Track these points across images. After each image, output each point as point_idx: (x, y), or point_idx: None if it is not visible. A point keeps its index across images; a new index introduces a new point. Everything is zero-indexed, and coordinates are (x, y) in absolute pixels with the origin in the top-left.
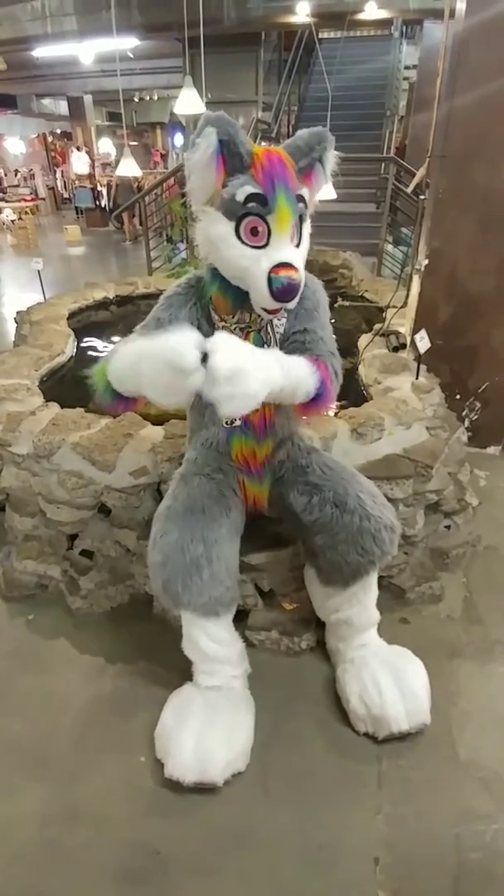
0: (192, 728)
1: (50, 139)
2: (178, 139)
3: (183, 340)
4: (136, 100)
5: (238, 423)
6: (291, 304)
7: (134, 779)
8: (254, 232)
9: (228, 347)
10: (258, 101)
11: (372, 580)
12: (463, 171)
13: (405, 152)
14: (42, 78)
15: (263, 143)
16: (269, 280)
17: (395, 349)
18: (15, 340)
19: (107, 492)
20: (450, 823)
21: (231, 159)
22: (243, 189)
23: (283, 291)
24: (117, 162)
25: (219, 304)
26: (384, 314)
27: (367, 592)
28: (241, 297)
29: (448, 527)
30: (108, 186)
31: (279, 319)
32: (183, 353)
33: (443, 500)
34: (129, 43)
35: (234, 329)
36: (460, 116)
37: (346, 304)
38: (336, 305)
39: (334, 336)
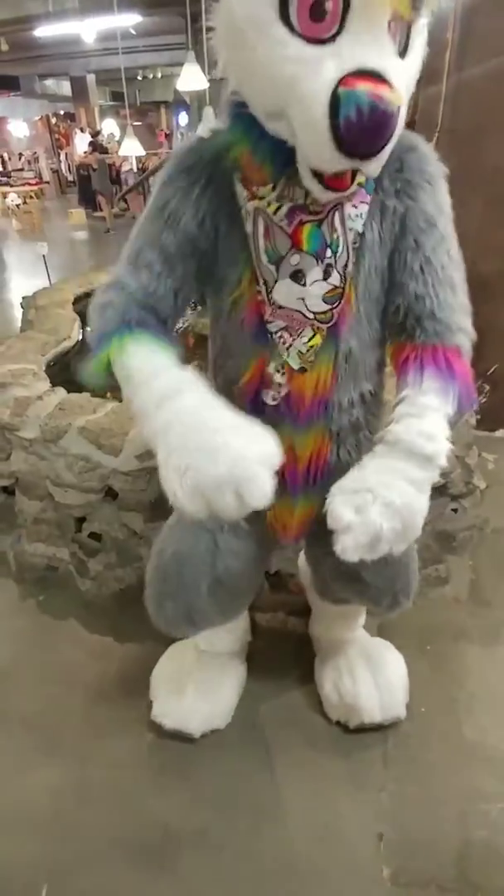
0: (179, 679)
1: (53, 121)
2: (183, 118)
3: (255, 470)
4: (139, 78)
5: (276, 399)
6: (374, 166)
7: (143, 755)
8: (316, 12)
9: (349, 520)
10: None
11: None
12: (472, 147)
13: (414, 128)
14: (44, 58)
15: None
16: (335, 101)
17: None
18: (21, 325)
19: (114, 475)
20: (455, 802)
21: None
22: None
23: (359, 125)
24: (98, 144)
25: (248, 168)
26: None
27: (356, 612)
28: (284, 154)
29: (455, 510)
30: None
31: (356, 206)
32: (253, 487)
33: (450, 483)
34: (131, 20)
35: (276, 211)
36: (469, 90)
37: None
38: None
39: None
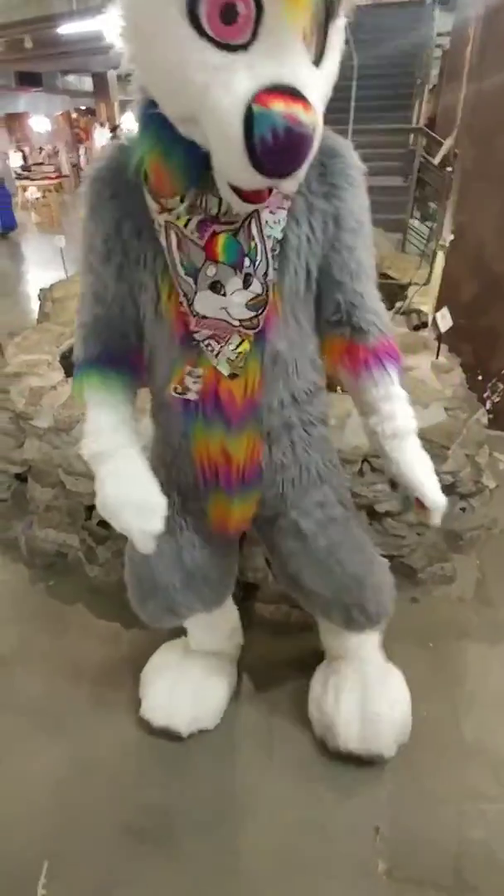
0: (167, 678)
1: (74, 116)
2: None
3: (137, 537)
4: None
5: (192, 394)
6: (292, 184)
7: (146, 741)
8: (227, 15)
9: (440, 500)
10: None
11: None
12: (491, 142)
13: (436, 123)
14: (67, 55)
15: None
16: (249, 118)
17: (417, 328)
18: (38, 317)
19: None
20: (453, 801)
21: None
22: None
23: (275, 148)
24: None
25: (157, 179)
26: (406, 292)
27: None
28: (198, 158)
29: (463, 509)
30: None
31: (273, 212)
32: (147, 538)
33: (458, 481)
34: None
35: (186, 224)
36: (490, 85)
37: None
38: None
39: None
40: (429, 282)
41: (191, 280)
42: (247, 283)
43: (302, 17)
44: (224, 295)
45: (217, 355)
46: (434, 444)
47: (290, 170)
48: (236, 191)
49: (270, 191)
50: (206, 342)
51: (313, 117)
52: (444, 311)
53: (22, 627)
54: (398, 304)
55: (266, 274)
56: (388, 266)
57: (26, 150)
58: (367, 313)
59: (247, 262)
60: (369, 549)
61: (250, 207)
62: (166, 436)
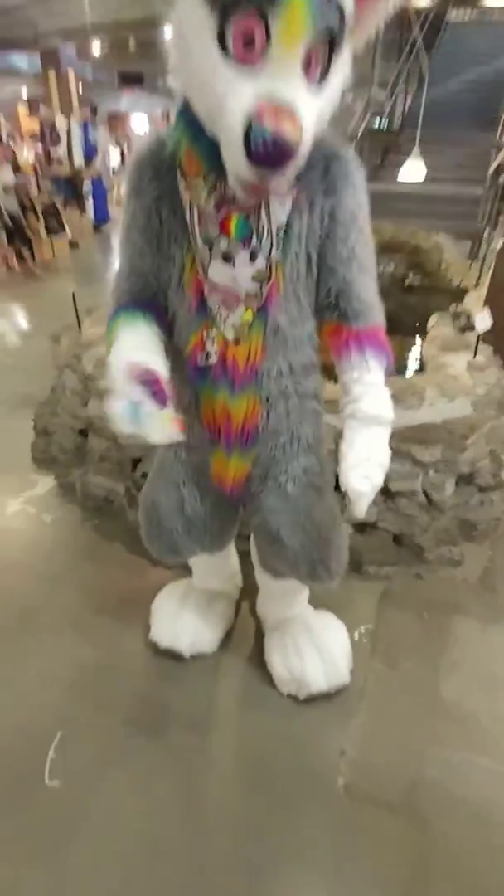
0: (172, 608)
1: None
2: None
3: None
4: None
5: (212, 358)
6: (281, 181)
7: (160, 651)
8: (247, 42)
9: (366, 490)
10: (374, 78)
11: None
12: None
13: None
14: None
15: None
16: (248, 128)
17: (463, 330)
18: None
19: None
20: (418, 743)
21: None
22: None
23: (264, 154)
24: None
25: (187, 161)
26: (465, 297)
27: (297, 590)
28: (216, 150)
29: (482, 502)
30: None
31: (282, 203)
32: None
33: (476, 472)
34: None
35: (207, 202)
36: None
37: (417, 283)
38: (406, 283)
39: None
40: (478, 284)
41: (206, 249)
42: (253, 258)
43: (298, 48)
44: (233, 266)
45: (225, 321)
46: (454, 434)
47: (276, 170)
48: (242, 182)
49: (263, 185)
50: (217, 308)
51: (298, 132)
52: (485, 311)
53: (71, 555)
54: (452, 307)
55: (270, 252)
56: (452, 273)
57: (124, 146)
58: (355, 300)
59: (254, 239)
60: (338, 516)
61: (253, 199)
62: (179, 395)
